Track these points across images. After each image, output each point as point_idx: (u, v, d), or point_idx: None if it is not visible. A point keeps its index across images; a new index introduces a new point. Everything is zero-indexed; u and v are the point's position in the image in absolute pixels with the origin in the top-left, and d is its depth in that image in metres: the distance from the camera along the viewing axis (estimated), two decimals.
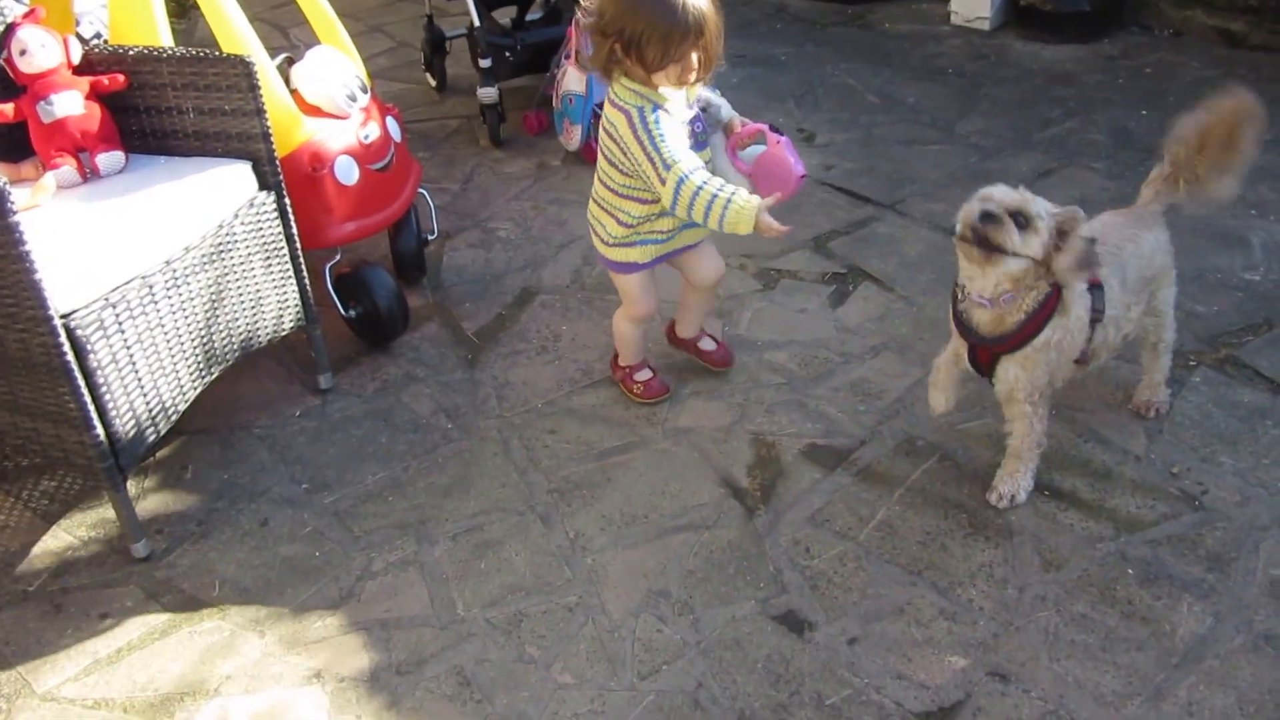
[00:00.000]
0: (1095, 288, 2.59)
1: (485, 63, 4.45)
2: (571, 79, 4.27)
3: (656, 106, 2.63)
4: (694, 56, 2.57)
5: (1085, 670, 2.34)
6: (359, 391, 3.27)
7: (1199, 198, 2.78)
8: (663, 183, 2.61)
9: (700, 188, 2.57)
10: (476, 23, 4.42)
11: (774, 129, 2.75)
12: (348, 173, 3.19)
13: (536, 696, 2.35)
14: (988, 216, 2.41)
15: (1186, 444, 2.88)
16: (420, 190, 3.62)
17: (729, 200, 2.56)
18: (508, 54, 4.51)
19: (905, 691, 2.32)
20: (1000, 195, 2.45)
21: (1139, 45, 5.26)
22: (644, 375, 3.16)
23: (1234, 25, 5.16)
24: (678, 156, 2.60)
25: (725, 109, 2.85)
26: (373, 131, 3.28)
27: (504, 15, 4.87)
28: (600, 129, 2.78)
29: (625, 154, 2.68)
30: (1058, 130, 4.54)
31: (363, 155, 3.23)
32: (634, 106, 2.62)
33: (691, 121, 2.74)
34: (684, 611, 2.52)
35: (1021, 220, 2.41)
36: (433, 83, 5.18)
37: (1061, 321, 2.55)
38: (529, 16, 4.93)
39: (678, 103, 2.70)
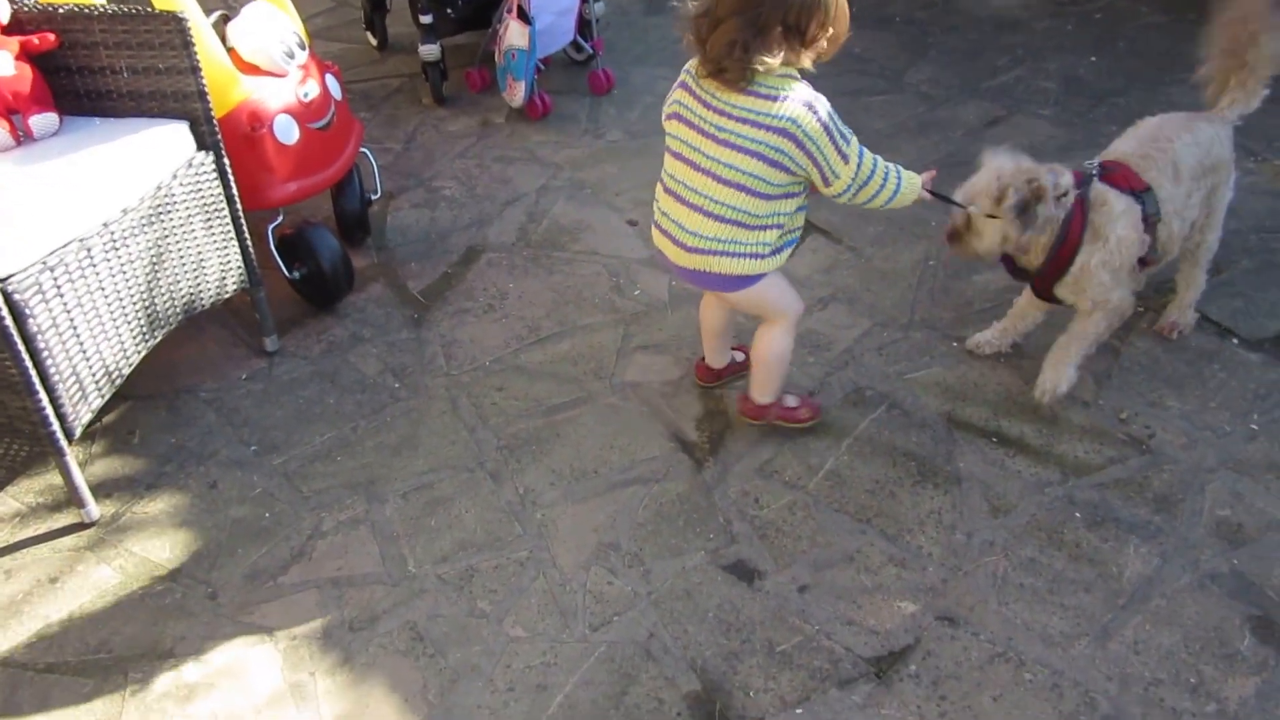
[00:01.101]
0: (1144, 192, 2.65)
1: (426, 19, 4.39)
2: (514, 34, 4.22)
3: (803, 82, 2.39)
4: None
5: (1033, 612, 2.37)
6: (305, 353, 3.24)
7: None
8: (845, 159, 2.38)
9: (877, 161, 2.43)
10: None
11: None
12: (287, 132, 3.14)
13: (489, 650, 2.35)
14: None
15: (1134, 389, 2.91)
16: (363, 149, 3.57)
17: (900, 173, 2.47)
18: (449, 10, 4.45)
19: (855, 637, 2.34)
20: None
21: None
22: (793, 400, 2.87)
23: None
24: (849, 135, 2.41)
25: None
26: (312, 89, 3.23)
27: None
28: (719, 139, 2.40)
29: (805, 150, 2.35)
30: (1006, 78, 4.55)
31: (302, 114, 3.18)
32: (798, 92, 2.34)
33: None
34: (634, 563, 2.53)
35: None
36: (374, 41, 5.10)
37: (1098, 246, 2.62)
38: None
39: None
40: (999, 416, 2.86)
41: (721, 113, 2.38)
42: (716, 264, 2.51)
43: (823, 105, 2.35)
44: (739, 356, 3.02)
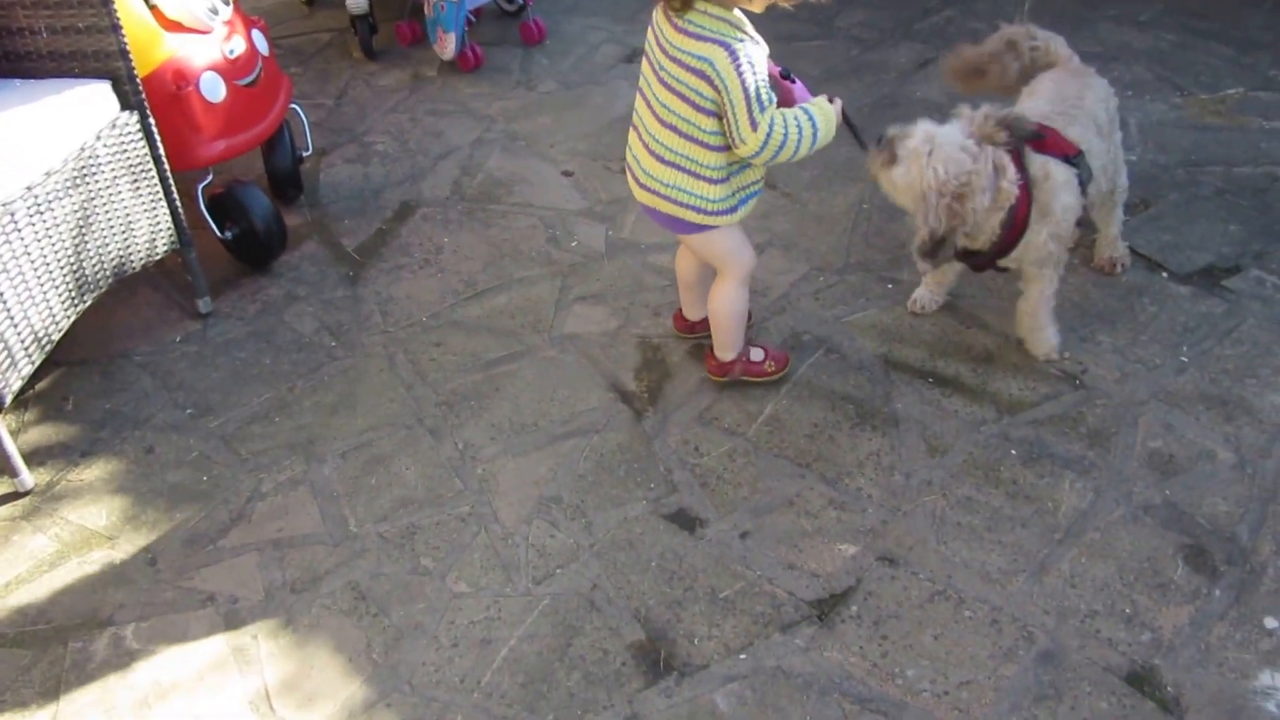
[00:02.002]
0: (1075, 158, 2.62)
1: None
2: None
3: (746, 38, 2.34)
4: None
5: (971, 550, 2.40)
6: (240, 314, 3.19)
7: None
8: (754, 127, 2.33)
9: (790, 120, 2.36)
10: None
11: (786, 74, 2.50)
12: (214, 89, 3.07)
13: (432, 607, 2.35)
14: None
15: (1066, 324, 2.93)
16: (293, 106, 3.51)
17: (812, 116, 2.40)
18: None
19: (797, 581, 2.36)
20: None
21: None
22: (759, 354, 2.84)
23: None
24: (771, 97, 2.36)
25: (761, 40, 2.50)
26: (238, 46, 3.16)
27: None
28: (659, 78, 2.40)
29: (720, 92, 2.32)
30: (937, 19, 4.55)
31: (228, 71, 3.12)
32: (731, 38, 2.30)
33: None
34: (576, 516, 2.53)
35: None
36: None
37: (1047, 221, 2.60)
38: None
39: (754, 33, 2.40)
40: (935, 357, 2.88)
41: (664, 52, 2.37)
42: (665, 206, 2.53)
43: (749, 58, 2.30)
44: None
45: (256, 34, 3.32)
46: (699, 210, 2.49)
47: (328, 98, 4.27)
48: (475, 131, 3.99)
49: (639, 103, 2.53)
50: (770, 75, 2.42)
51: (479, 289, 3.23)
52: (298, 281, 3.30)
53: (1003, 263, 2.71)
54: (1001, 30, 2.95)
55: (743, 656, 2.23)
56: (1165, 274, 3.09)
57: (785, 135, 2.35)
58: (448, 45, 4.29)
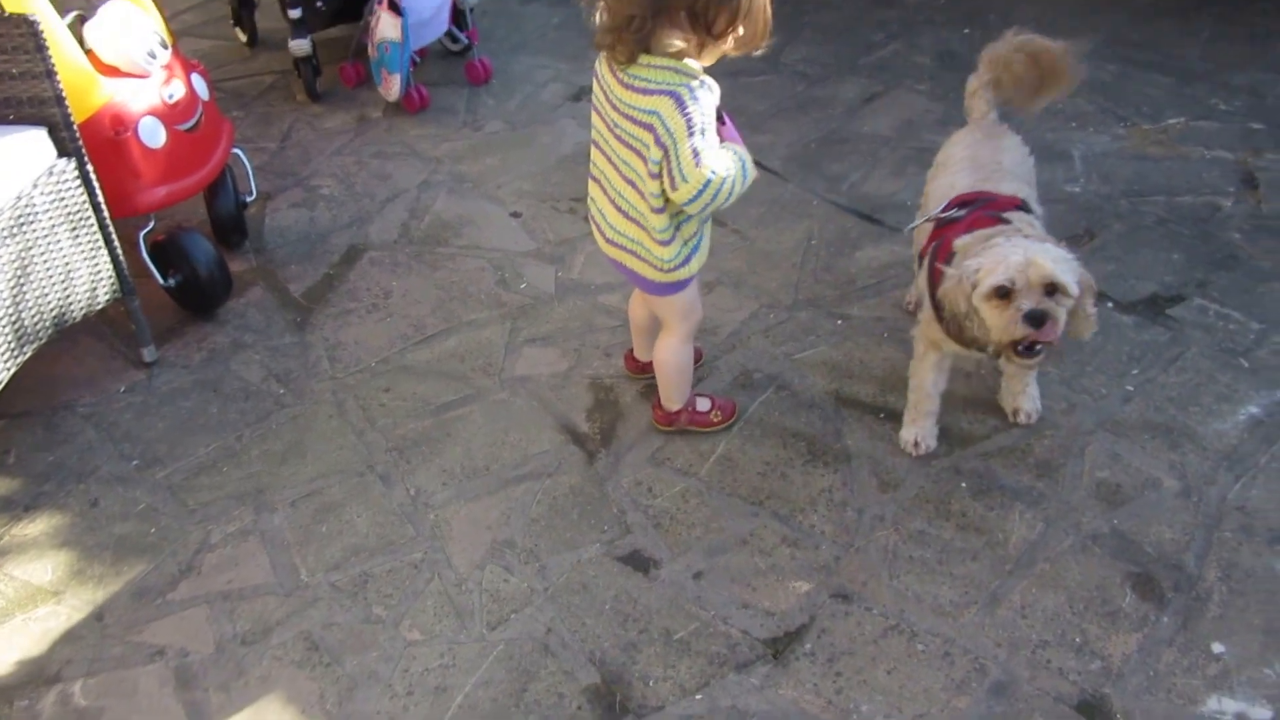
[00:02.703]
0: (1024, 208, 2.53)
1: (295, 14, 4.29)
2: (386, 26, 4.15)
3: (701, 82, 2.25)
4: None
5: (924, 584, 2.41)
6: (185, 362, 3.16)
7: (1019, 108, 2.90)
8: (697, 163, 2.23)
9: (727, 177, 2.28)
10: None
11: (717, 114, 2.39)
12: (153, 134, 3.05)
13: (386, 655, 2.33)
14: (1035, 318, 2.24)
15: None
16: (235, 150, 3.49)
17: (740, 159, 2.33)
18: (318, 3, 4.36)
19: (751, 620, 2.36)
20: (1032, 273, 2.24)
21: None
22: (705, 404, 2.82)
23: None
24: (712, 142, 2.28)
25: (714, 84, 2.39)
26: (177, 90, 3.14)
27: None
28: (616, 134, 2.35)
29: (664, 141, 2.24)
30: (882, 54, 4.60)
31: (168, 115, 3.10)
32: (678, 86, 2.22)
33: None
34: (530, 559, 2.52)
35: (1060, 296, 2.26)
36: (243, 38, 4.97)
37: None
38: None
39: (707, 77, 2.31)
40: (885, 392, 2.90)
41: (615, 108, 2.32)
42: (630, 261, 2.51)
43: (696, 101, 2.23)
44: None
45: (197, 78, 3.29)
46: (657, 269, 2.47)
47: (271, 141, 4.24)
48: (422, 173, 3.99)
49: (598, 156, 2.48)
50: None
51: (428, 333, 3.22)
52: (244, 328, 3.27)
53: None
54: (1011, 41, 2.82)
55: (698, 697, 2.22)
56: (1110, 303, 3.13)
57: (727, 178, 2.28)
58: (392, 87, 4.28)
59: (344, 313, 3.32)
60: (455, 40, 4.71)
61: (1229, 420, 2.77)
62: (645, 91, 2.24)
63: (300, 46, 4.33)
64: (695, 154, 2.23)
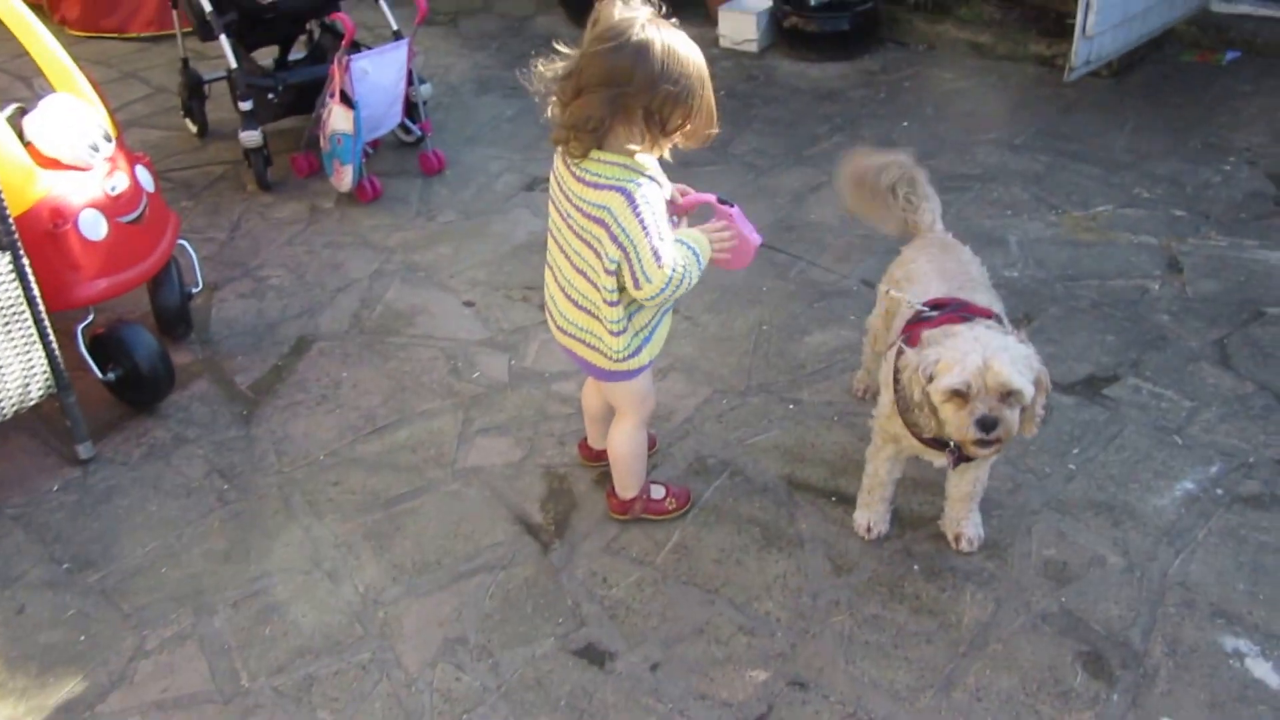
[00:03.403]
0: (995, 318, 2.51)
1: (245, 105, 4.29)
2: (338, 118, 4.16)
3: (645, 180, 2.30)
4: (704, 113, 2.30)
5: (880, 669, 2.38)
6: (124, 458, 3.08)
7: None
8: (659, 263, 2.28)
9: (686, 268, 2.33)
10: (233, 64, 4.26)
11: (722, 200, 2.49)
12: (94, 227, 3.01)
13: None
14: (987, 424, 2.25)
15: None
16: (181, 241, 3.45)
17: (692, 249, 2.37)
18: (270, 95, 4.37)
19: (709, 712, 2.31)
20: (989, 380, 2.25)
21: (897, 60, 5.47)
22: (660, 491, 2.81)
23: (981, 38, 5.42)
24: (667, 238, 2.32)
25: (664, 179, 2.43)
26: (120, 182, 3.11)
27: (266, 55, 4.73)
28: (569, 226, 2.38)
29: (618, 241, 2.28)
30: (827, 145, 4.66)
31: (110, 208, 3.06)
32: (627, 182, 2.27)
33: None
34: (483, 656, 2.46)
35: (1013, 399, 2.27)
36: (193, 128, 4.97)
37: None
38: (291, 56, 4.79)
39: (656, 172, 2.38)
40: (836, 476, 2.89)
41: (569, 201, 2.35)
42: (581, 350, 2.51)
43: (645, 200, 2.27)
44: None
45: (141, 170, 3.27)
46: (609, 358, 2.48)
47: (221, 231, 4.21)
48: (374, 263, 3.97)
49: (553, 246, 2.50)
50: (697, 201, 2.47)
51: (379, 424, 3.17)
52: (187, 422, 3.21)
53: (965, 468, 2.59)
54: (896, 160, 2.88)
55: None
56: (1051, 386, 3.13)
57: (684, 270, 2.33)
58: (345, 177, 4.28)
59: (292, 405, 3.27)
60: (409, 131, 4.72)
61: (1166, 496, 2.79)
62: (596, 186, 2.27)
63: (251, 138, 4.33)
64: (655, 254, 2.28)
